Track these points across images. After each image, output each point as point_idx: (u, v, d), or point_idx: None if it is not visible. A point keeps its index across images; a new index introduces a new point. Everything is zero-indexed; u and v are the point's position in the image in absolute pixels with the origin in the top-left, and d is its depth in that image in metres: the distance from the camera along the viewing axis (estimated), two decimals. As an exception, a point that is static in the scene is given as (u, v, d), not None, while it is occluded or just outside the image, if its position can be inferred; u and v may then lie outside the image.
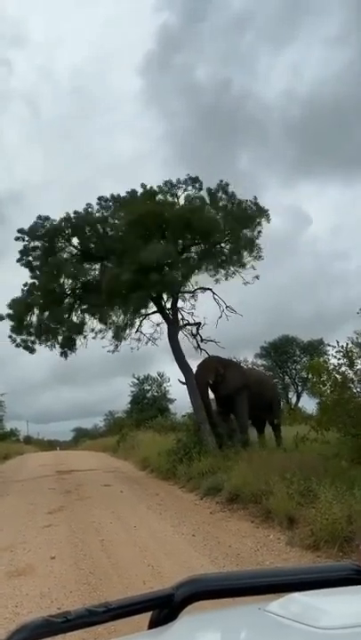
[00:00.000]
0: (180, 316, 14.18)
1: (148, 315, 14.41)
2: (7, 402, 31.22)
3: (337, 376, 9.09)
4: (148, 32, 77.55)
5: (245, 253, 13.82)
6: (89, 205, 13.72)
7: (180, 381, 13.33)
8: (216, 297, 14.34)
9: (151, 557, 5.89)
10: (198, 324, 14.19)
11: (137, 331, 14.49)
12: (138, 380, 31.28)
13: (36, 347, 13.79)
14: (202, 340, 14.14)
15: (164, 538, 6.82)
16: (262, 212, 13.85)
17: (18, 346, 13.62)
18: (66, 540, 6.98)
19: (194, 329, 14.21)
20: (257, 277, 14.00)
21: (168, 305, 14.09)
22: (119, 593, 4.62)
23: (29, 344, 13.71)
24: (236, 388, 12.45)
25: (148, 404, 30.48)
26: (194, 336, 14.17)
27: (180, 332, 14.04)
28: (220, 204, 13.83)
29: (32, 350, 13.79)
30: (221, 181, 13.90)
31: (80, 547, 6.55)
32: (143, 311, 14.27)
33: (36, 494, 11.07)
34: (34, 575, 5.46)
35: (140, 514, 8.49)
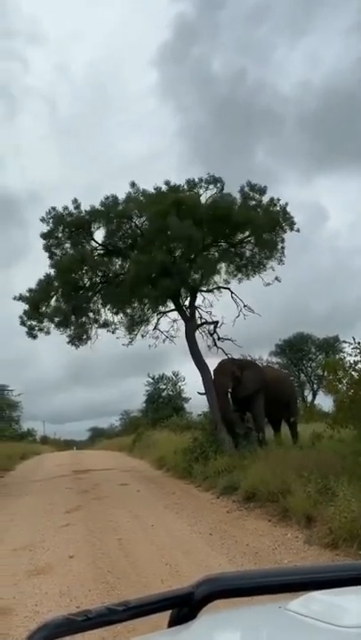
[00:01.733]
0: (197, 315, 14.13)
1: (166, 312, 14.39)
2: (24, 402, 31.56)
3: (353, 373, 9.02)
4: (163, 23, 76.78)
5: (266, 256, 13.77)
6: (112, 198, 13.62)
7: (200, 393, 13.34)
8: (234, 296, 14.30)
9: (169, 556, 5.90)
10: (216, 323, 14.12)
11: (155, 328, 14.50)
12: (153, 379, 31.38)
13: (42, 335, 13.76)
14: (219, 339, 14.08)
15: (181, 537, 6.83)
16: (288, 220, 13.72)
17: (30, 330, 13.58)
18: (84, 539, 7.03)
19: (211, 327, 14.15)
20: (277, 279, 13.94)
21: (186, 303, 14.05)
22: (137, 592, 4.63)
23: (36, 330, 13.66)
24: (254, 388, 12.42)
25: (163, 404, 30.54)
26: (211, 334, 14.12)
27: (197, 331, 14.01)
28: (251, 203, 13.73)
29: (35, 336, 13.72)
30: (253, 184, 13.85)
31: (98, 546, 6.58)
32: (161, 308, 14.25)
33: (54, 494, 11.16)
34: (53, 574, 5.50)
35: (157, 513, 8.50)
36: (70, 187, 58.43)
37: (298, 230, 13.86)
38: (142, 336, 14.43)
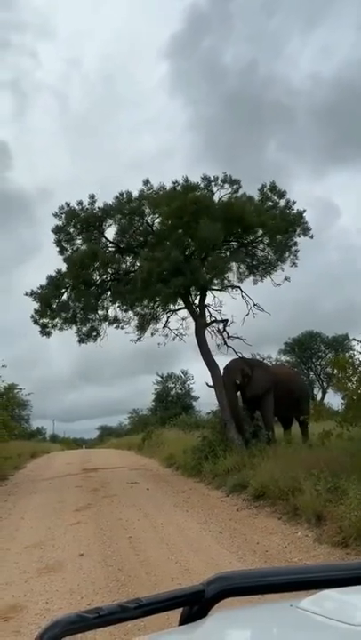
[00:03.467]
0: (206, 313, 14.11)
1: (176, 310, 14.39)
2: (33, 401, 31.68)
3: (363, 371, 8.96)
4: (175, 14, 75.86)
5: (278, 258, 13.79)
6: (123, 195, 13.59)
7: (208, 385, 13.32)
8: (244, 295, 14.28)
9: (179, 554, 5.91)
10: (225, 321, 14.08)
11: (165, 326, 14.50)
12: (162, 377, 31.44)
13: (55, 331, 13.78)
14: (228, 337, 14.04)
15: (190, 535, 6.84)
16: (303, 225, 13.69)
17: (43, 328, 13.58)
18: (94, 537, 7.05)
19: (220, 326, 14.12)
20: (287, 279, 13.96)
21: (196, 301, 14.04)
22: (148, 590, 4.64)
23: (49, 327, 13.67)
24: (263, 387, 12.41)
25: (172, 402, 30.60)
26: (220, 333, 14.09)
27: (207, 329, 13.98)
28: (269, 204, 13.74)
29: (49, 334, 13.75)
30: (274, 185, 13.84)
31: (108, 544, 6.60)
32: (171, 306, 14.25)
33: (64, 492, 11.21)
34: (63, 572, 5.53)
35: (167, 511, 8.52)
36: (81, 183, 58.63)
37: (312, 237, 13.86)
38: (152, 334, 14.48)
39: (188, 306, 13.96)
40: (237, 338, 14.00)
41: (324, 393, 34.66)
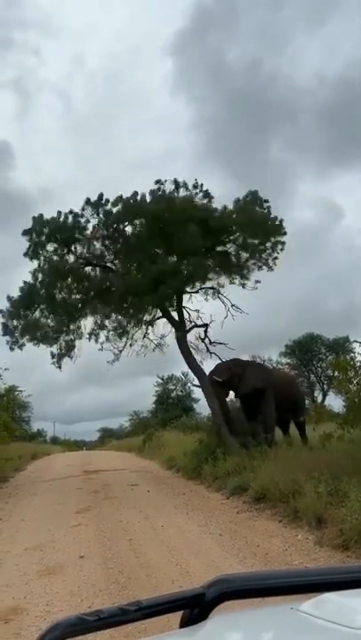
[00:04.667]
0: (187, 319, 13.99)
1: (154, 321, 14.26)
2: (34, 403, 31.67)
3: (364, 373, 8.96)
4: (180, 10, 75.05)
5: (254, 263, 13.74)
6: (94, 205, 13.39)
7: (195, 384, 13.31)
8: (221, 296, 14.18)
9: (179, 557, 5.90)
10: (206, 326, 13.98)
11: (144, 337, 14.36)
12: (162, 379, 31.42)
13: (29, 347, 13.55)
14: (211, 343, 13.96)
15: (191, 537, 6.82)
16: (279, 230, 13.65)
17: (12, 345, 13.34)
18: (94, 539, 7.05)
19: (201, 331, 14.02)
20: (258, 281, 13.93)
21: (174, 309, 13.89)
22: (148, 592, 4.63)
23: (16, 344, 13.42)
24: (257, 386, 12.33)
25: (172, 404, 30.58)
26: (202, 339, 14.01)
27: (189, 336, 13.86)
28: (247, 211, 13.63)
29: (21, 346, 13.45)
30: (255, 191, 13.79)
31: (108, 546, 6.60)
32: (148, 317, 14.12)
33: (64, 494, 11.20)
34: (63, 574, 5.53)
35: (167, 513, 8.50)
36: (83, 183, 58.52)
37: (282, 247, 13.77)
38: (130, 345, 14.25)
39: (166, 314, 13.88)
40: (220, 343, 13.91)
41: (324, 395, 34.62)
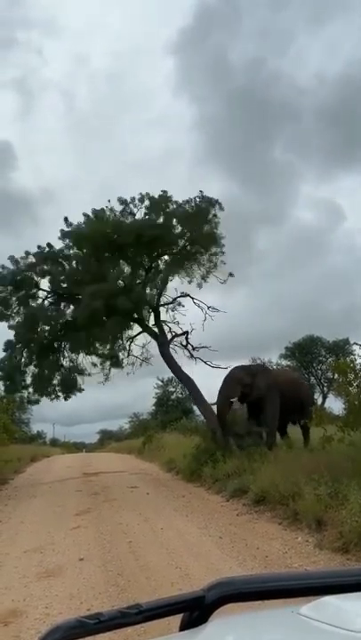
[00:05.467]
0: (167, 329, 14.12)
1: (134, 337, 14.36)
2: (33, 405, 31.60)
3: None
4: (184, 9, 74.66)
5: (208, 248, 13.76)
6: (48, 247, 13.58)
7: (188, 394, 13.39)
8: (196, 301, 14.27)
9: (179, 559, 5.89)
10: (186, 333, 14.09)
11: (128, 355, 14.44)
12: (162, 382, 31.39)
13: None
14: (193, 349, 14.06)
15: (191, 540, 6.81)
16: (212, 203, 13.75)
17: (23, 402, 13.79)
18: (94, 541, 7.03)
19: (183, 339, 14.14)
20: (231, 275, 14.04)
21: (152, 321, 14.02)
22: (148, 595, 4.62)
23: (31, 397, 13.83)
24: (266, 394, 12.33)
25: (172, 406, 30.55)
26: (185, 346, 14.09)
27: (171, 345, 13.96)
28: (169, 208, 13.79)
29: (37, 402, 13.98)
30: (165, 191, 13.93)
31: (108, 548, 6.58)
32: (127, 334, 14.23)
33: (64, 496, 11.18)
34: (63, 576, 5.51)
35: (167, 516, 8.49)
36: (84, 184, 58.54)
37: (222, 208, 13.81)
38: (120, 367, 14.37)
39: (146, 328, 13.91)
40: (203, 347, 14.02)
41: (324, 397, 34.56)
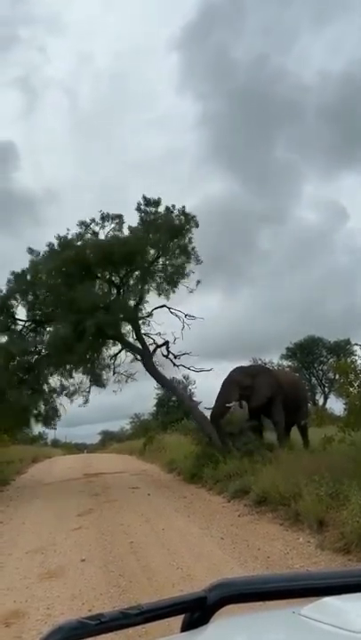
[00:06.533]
0: (149, 342, 14.18)
1: (116, 355, 14.39)
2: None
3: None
4: (188, 6, 74.25)
5: (183, 261, 13.91)
6: (19, 273, 13.61)
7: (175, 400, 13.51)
8: (173, 311, 14.35)
9: (180, 560, 5.89)
10: (166, 343, 14.17)
11: (114, 373, 14.45)
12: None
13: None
14: (175, 357, 14.17)
15: (192, 540, 6.81)
16: (189, 219, 13.89)
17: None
18: (95, 542, 7.04)
19: (164, 349, 14.21)
20: (199, 282, 14.15)
21: (133, 337, 14.05)
22: (149, 596, 4.63)
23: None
24: (267, 395, 12.25)
25: (173, 407, 30.50)
26: (166, 356, 14.19)
27: (155, 358, 14.01)
28: (148, 219, 13.89)
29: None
30: (159, 198, 14.05)
31: (109, 549, 6.59)
32: (108, 353, 14.28)
33: (65, 497, 11.19)
34: (65, 577, 5.52)
35: (168, 516, 8.49)
36: (87, 184, 58.49)
37: (197, 225, 13.95)
38: (104, 386, 14.40)
39: (126, 345, 13.97)
40: (184, 354, 14.12)
41: (325, 398, 34.57)
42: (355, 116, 53.96)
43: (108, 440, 46.39)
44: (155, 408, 32.39)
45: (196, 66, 58.97)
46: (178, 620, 0.92)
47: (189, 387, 31.62)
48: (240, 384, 12.34)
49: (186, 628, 0.89)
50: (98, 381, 14.17)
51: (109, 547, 6.71)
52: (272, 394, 12.27)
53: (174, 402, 31.82)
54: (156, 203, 13.94)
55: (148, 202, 13.96)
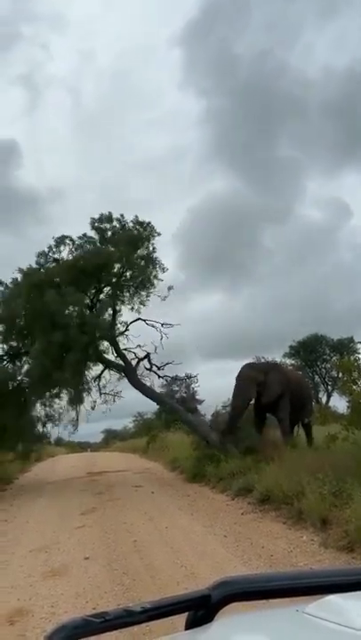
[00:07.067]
0: (130, 357, 14.23)
1: (99, 376, 14.43)
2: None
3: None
4: (191, 2, 73.78)
5: (150, 271, 14.03)
6: None
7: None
8: (148, 322, 14.44)
9: (184, 558, 5.89)
10: (148, 355, 14.27)
11: (101, 394, 14.49)
12: (166, 380, 31.35)
13: None
14: (159, 369, 14.34)
15: (195, 539, 6.82)
16: (151, 230, 14.05)
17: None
18: (99, 540, 7.05)
19: (146, 362, 14.34)
20: (171, 288, 14.32)
21: (114, 354, 14.11)
22: (153, 594, 4.63)
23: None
24: (278, 392, 12.23)
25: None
26: (149, 368, 14.29)
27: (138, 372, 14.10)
28: (109, 233, 13.98)
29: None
30: (110, 212, 14.15)
31: (113, 547, 6.60)
32: (94, 371, 14.32)
33: (69, 496, 11.21)
34: (68, 575, 5.53)
35: (172, 515, 8.50)
36: (91, 182, 58.33)
37: (158, 234, 14.18)
38: (92, 408, 14.48)
39: (109, 364, 14.02)
40: (167, 364, 14.41)
41: (329, 396, 34.51)
42: (358, 112, 53.65)
43: (112, 438, 46.42)
44: (158, 406, 32.38)
45: (198, 62, 58.59)
46: (181, 619, 0.92)
47: (192, 385, 31.69)
48: (255, 380, 12.32)
49: (190, 625, 0.90)
50: (79, 401, 14.14)
51: (113, 545, 6.72)
52: (282, 390, 12.25)
53: (177, 400, 31.84)
54: (109, 218, 14.11)
55: (101, 218, 14.12)
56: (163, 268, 14.12)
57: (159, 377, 14.36)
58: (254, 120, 55.81)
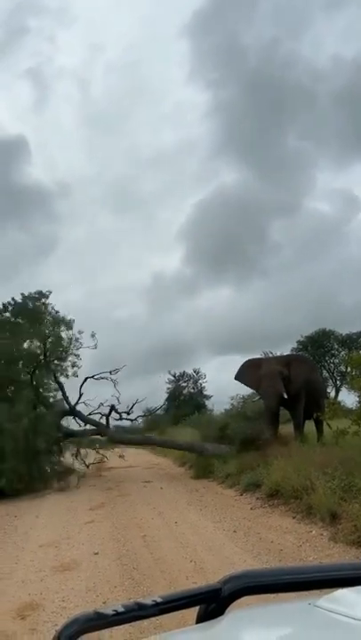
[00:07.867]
0: (98, 418, 14.40)
1: (78, 451, 14.11)
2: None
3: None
4: None
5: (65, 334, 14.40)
6: None
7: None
8: (96, 377, 14.60)
9: (193, 553, 5.91)
10: (112, 407, 14.49)
11: (88, 466, 14.08)
12: (174, 376, 31.48)
13: None
14: (128, 414, 14.89)
15: (205, 534, 6.84)
16: (32, 298, 14.41)
17: None
18: (108, 535, 7.09)
19: (114, 415, 14.60)
20: (94, 334, 14.50)
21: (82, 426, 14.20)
22: (163, 588, 4.66)
23: None
24: (301, 383, 12.21)
25: (184, 401, 30.60)
26: (119, 419, 14.80)
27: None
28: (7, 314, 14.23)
29: None
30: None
31: (122, 542, 6.63)
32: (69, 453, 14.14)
33: (77, 491, 11.27)
34: (79, 570, 5.57)
35: (181, 510, 8.53)
36: (100, 176, 58.10)
37: (47, 296, 14.53)
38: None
39: (81, 435, 14.00)
40: (135, 404, 14.87)
41: (337, 391, 34.43)
42: (365, 105, 53.06)
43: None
44: (166, 402, 32.50)
45: (206, 54, 57.98)
46: (192, 612, 0.92)
47: (200, 381, 31.77)
48: (281, 375, 12.28)
49: (201, 619, 0.90)
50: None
51: (122, 540, 6.75)
52: (304, 381, 12.22)
53: (185, 395, 31.95)
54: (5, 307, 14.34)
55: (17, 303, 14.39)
56: (67, 323, 14.44)
57: (131, 421, 15.03)
58: (263, 111, 55.14)
